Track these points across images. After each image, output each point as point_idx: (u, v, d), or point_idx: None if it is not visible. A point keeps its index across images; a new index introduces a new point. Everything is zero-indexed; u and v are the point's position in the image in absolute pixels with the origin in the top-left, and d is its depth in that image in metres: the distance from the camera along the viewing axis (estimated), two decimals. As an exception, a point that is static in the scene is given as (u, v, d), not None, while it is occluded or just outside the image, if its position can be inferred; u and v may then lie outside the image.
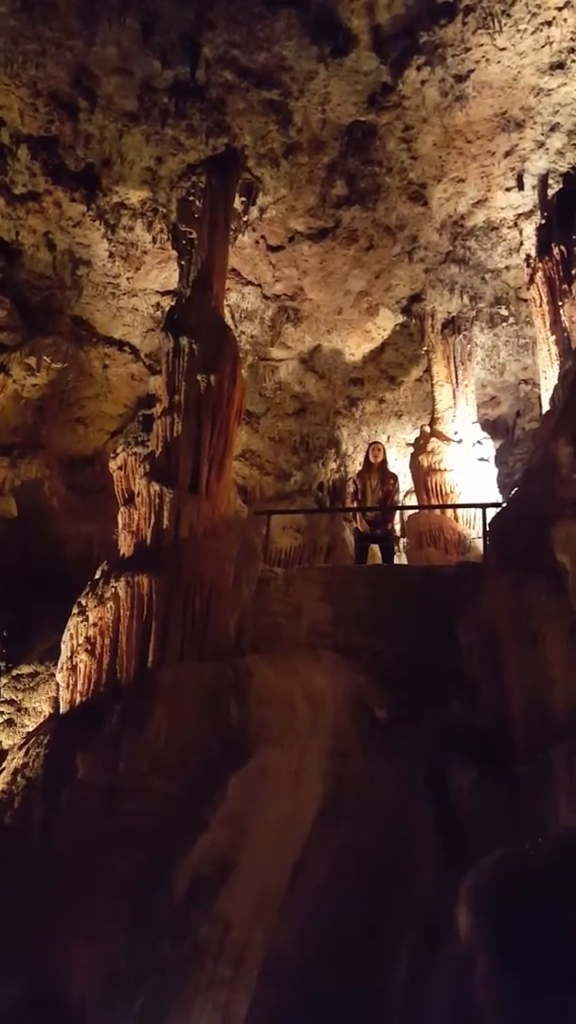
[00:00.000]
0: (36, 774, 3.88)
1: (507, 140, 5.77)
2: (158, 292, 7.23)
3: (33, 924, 3.25)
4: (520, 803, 3.15)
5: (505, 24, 4.83)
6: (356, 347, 8.20)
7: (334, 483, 9.41)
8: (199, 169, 5.80)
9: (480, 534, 6.44)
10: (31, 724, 5.34)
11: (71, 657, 4.40)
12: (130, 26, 4.87)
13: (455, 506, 7.26)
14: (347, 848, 3.30)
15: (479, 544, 6.61)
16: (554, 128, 5.65)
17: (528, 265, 6.17)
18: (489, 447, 7.72)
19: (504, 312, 7.61)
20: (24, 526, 7.54)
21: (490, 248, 6.85)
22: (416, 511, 7.56)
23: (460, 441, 7.56)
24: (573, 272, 5.34)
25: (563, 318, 5.36)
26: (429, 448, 7.56)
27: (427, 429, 7.82)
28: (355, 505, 6.52)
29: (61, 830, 3.61)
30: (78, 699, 4.28)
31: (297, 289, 7.33)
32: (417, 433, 8.30)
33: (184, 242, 5.93)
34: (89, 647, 4.35)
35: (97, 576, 4.63)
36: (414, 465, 7.73)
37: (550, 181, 6.01)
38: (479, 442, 7.64)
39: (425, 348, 7.90)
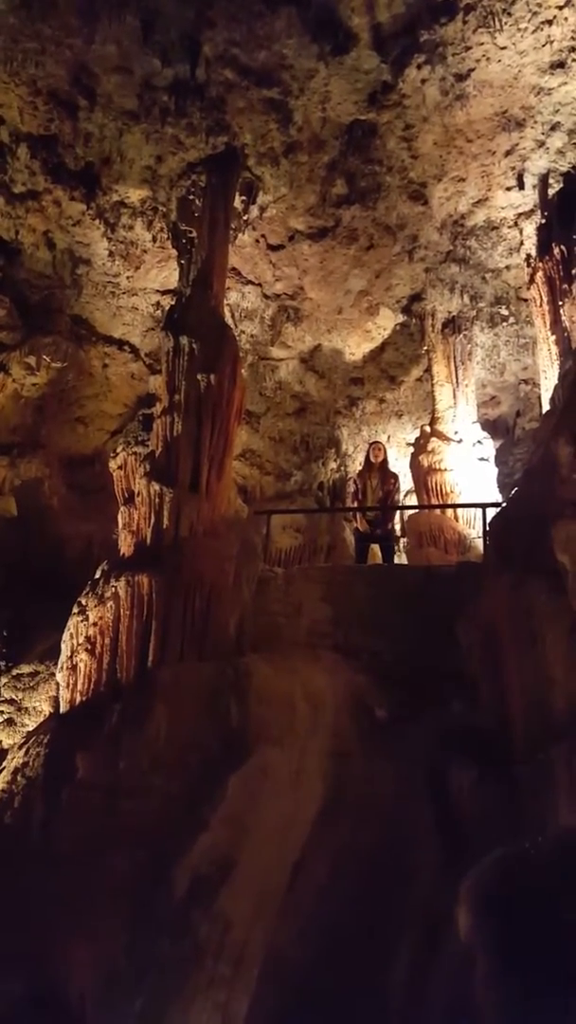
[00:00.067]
0: (36, 773, 3.88)
1: (507, 139, 5.76)
2: (158, 291, 7.22)
3: (33, 923, 3.25)
4: (520, 803, 3.16)
5: (506, 23, 4.83)
6: (356, 347, 8.19)
7: (334, 483, 9.41)
8: (199, 168, 5.80)
9: (480, 534, 6.44)
10: (31, 723, 5.34)
11: (71, 656, 4.40)
12: (130, 24, 4.86)
13: (455, 506, 7.26)
14: (347, 848, 3.30)
15: (479, 544, 6.61)
16: (555, 127, 5.64)
17: (528, 265, 6.16)
18: (489, 447, 7.72)
19: (504, 312, 7.61)
20: (24, 526, 7.54)
21: (490, 248, 6.84)
22: (416, 511, 7.56)
23: (460, 441, 7.56)
24: (573, 272, 5.34)
25: (563, 318, 5.36)
26: (429, 448, 7.56)
27: (427, 429, 7.82)
28: (355, 505, 6.52)
29: (61, 829, 3.61)
30: (78, 698, 4.28)
31: (297, 288, 7.32)
32: (417, 433, 8.30)
33: (184, 241, 5.92)
34: (89, 646, 4.35)
35: (97, 576, 4.63)
36: (414, 465, 7.73)
37: (550, 180, 6.00)
38: (479, 442, 7.64)
39: (425, 348, 7.90)
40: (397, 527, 7.62)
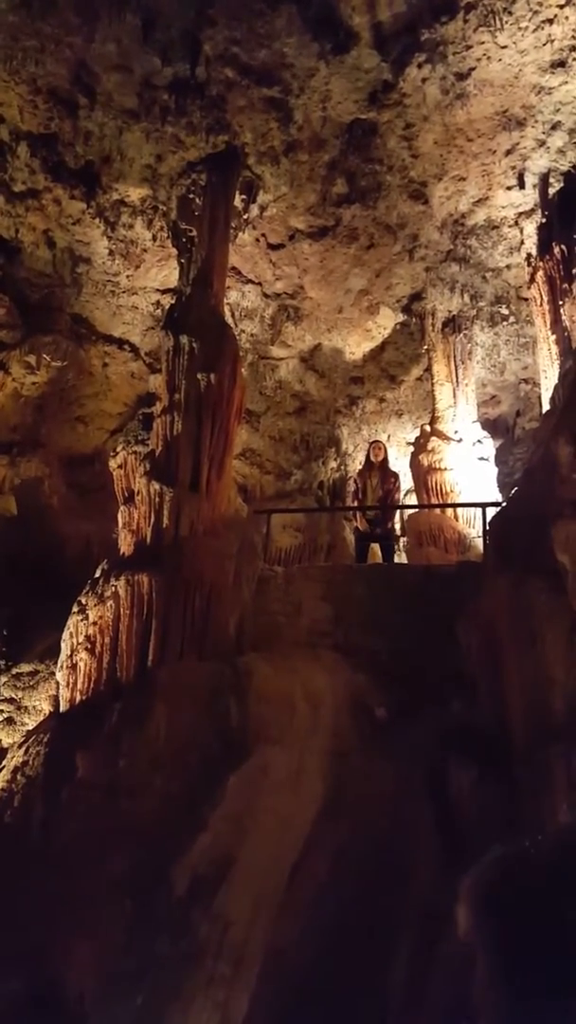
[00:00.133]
0: (36, 772, 3.89)
1: (508, 138, 5.76)
2: (158, 290, 7.22)
3: (33, 922, 3.26)
4: (519, 802, 3.16)
5: (506, 22, 4.82)
6: (356, 346, 8.19)
7: (334, 482, 9.41)
8: (199, 167, 5.79)
9: (480, 533, 6.44)
10: (31, 722, 5.34)
11: (71, 656, 4.40)
12: (130, 23, 4.85)
13: (455, 505, 7.26)
14: (346, 847, 3.30)
15: (479, 543, 6.61)
16: (555, 127, 5.64)
17: (529, 264, 6.16)
18: (489, 446, 7.72)
19: (504, 311, 7.60)
20: (24, 525, 7.53)
21: (491, 247, 6.84)
22: (416, 510, 7.56)
23: (460, 440, 7.56)
24: (574, 271, 5.33)
25: (563, 317, 5.35)
26: (429, 447, 7.56)
27: (427, 428, 7.82)
28: (355, 504, 6.51)
29: (61, 828, 3.61)
30: (78, 698, 4.28)
31: (297, 287, 7.32)
32: (417, 432, 8.29)
33: (184, 240, 5.92)
34: (89, 646, 4.35)
35: (97, 575, 4.63)
36: (414, 464, 7.73)
37: (551, 180, 6.00)
38: (479, 441, 7.63)
39: (425, 347, 7.90)
40: (397, 526, 7.61)
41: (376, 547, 6.49)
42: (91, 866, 3.39)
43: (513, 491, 5.56)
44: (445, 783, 3.40)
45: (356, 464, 8.57)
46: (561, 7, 4.76)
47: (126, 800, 3.64)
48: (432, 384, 7.87)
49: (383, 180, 6.09)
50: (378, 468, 6.45)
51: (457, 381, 7.71)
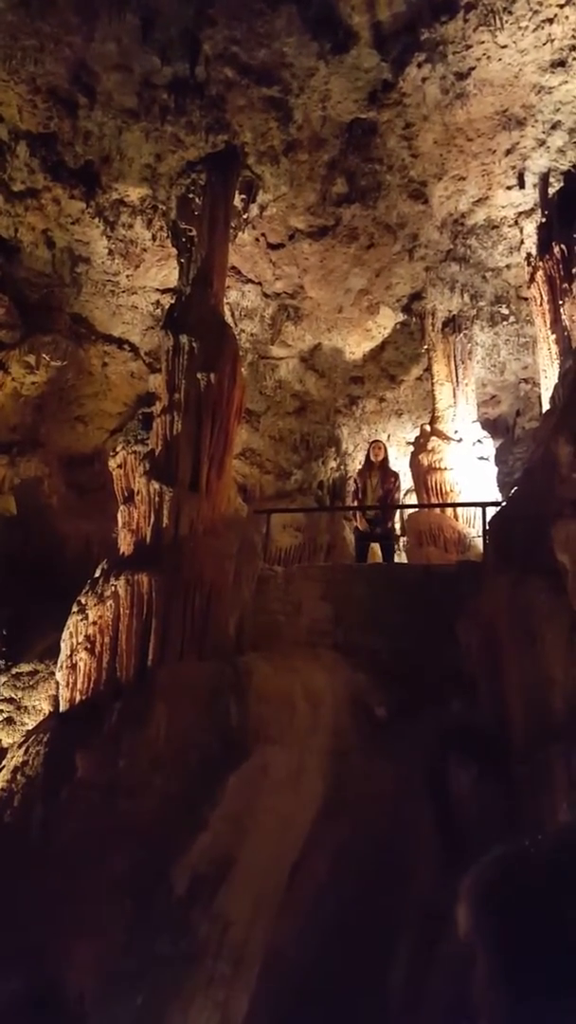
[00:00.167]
0: (36, 772, 3.89)
1: (508, 138, 5.76)
2: (158, 290, 7.21)
3: (33, 922, 3.25)
4: (519, 801, 3.16)
5: (506, 21, 4.82)
6: (356, 345, 8.19)
7: (334, 482, 9.41)
8: (199, 166, 5.79)
9: (480, 533, 6.44)
10: (31, 722, 5.34)
11: (71, 655, 4.40)
12: (129, 22, 4.85)
13: (455, 505, 7.26)
14: (346, 846, 3.30)
15: (479, 543, 6.61)
16: (555, 126, 5.64)
17: (529, 264, 6.15)
18: (489, 446, 7.72)
19: (504, 311, 7.60)
20: (23, 524, 7.53)
21: (491, 246, 6.84)
22: (416, 510, 7.56)
23: (460, 440, 7.56)
24: (574, 271, 5.33)
25: (563, 317, 5.35)
26: (429, 447, 7.56)
27: (427, 428, 7.82)
28: (355, 504, 6.51)
29: (61, 828, 3.61)
30: (78, 697, 4.28)
31: (297, 287, 7.31)
32: (417, 432, 8.29)
33: (184, 240, 5.92)
34: (89, 645, 4.35)
35: (97, 574, 4.63)
36: (414, 464, 7.73)
37: (551, 179, 6.00)
38: (479, 441, 7.63)
39: (425, 347, 7.90)
40: (397, 526, 7.61)
41: (376, 547, 6.49)
42: (91, 866, 3.39)
43: (513, 491, 5.55)
44: (445, 782, 3.40)
45: (356, 464, 8.56)
46: (561, 7, 4.76)
47: (126, 800, 3.64)
48: (432, 384, 7.87)
49: (383, 180, 6.09)
50: (378, 468, 6.44)
51: (457, 381, 7.71)
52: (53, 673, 4.80)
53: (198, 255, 5.75)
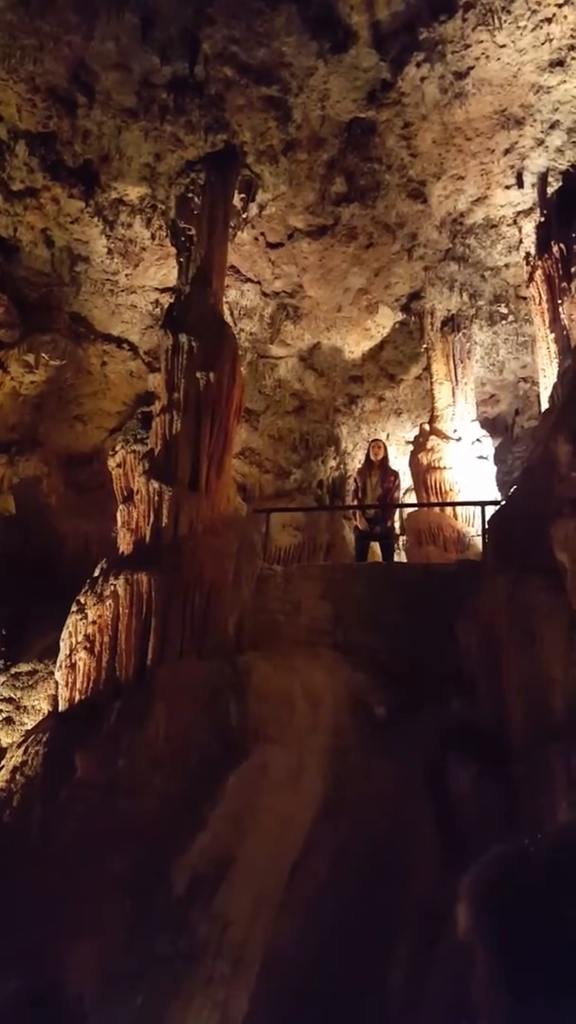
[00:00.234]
0: (35, 772, 3.88)
1: (507, 138, 5.75)
2: (157, 289, 7.21)
3: (32, 922, 3.25)
4: (519, 801, 3.16)
5: (505, 21, 4.82)
6: (355, 345, 8.19)
7: (334, 481, 9.41)
8: (198, 166, 5.79)
9: (479, 532, 6.44)
10: (30, 722, 5.34)
11: (70, 655, 4.40)
12: (129, 21, 4.85)
13: (455, 504, 7.26)
14: (346, 846, 3.30)
15: (478, 542, 6.61)
16: (554, 126, 5.64)
17: (527, 263, 6.15)
18: (488, 445, 7.72)
19: (503, 310, 7.60)
20: (22, 524, 7.53)
21: (489, 246, 6.84)
22: (416, 509, 7.56)
23: (459, 439, 7.56)
24: (572, 270, 5.33)
25: (562, 316, 5.35)
26: (428, 446, 7.56)
27: (426, 427, 7.82)
28: (355, 503, 6.51)
29: (60, 828, 3.61)
30: (77, 697, 4.27)
31: (296, 286, 7.31)
32: (416, 431, 8.29)
33: (183, 239, 5.92)
34: (88, 645, 4.35)
35: (96, 574, 4.62)
36: (413, 463, 7.73)
37: (550, 179, 6.00)
38: (478, 440, 7.64)
39: (424, 346, 7.90)
40: (397, 525, 7.62)
41: (376, 546, 6.49)
42: (91, 866, 3.39)
43: (512, 490, 5.55)
44: (445, 782, 3.40)
45: (355, 463, 8.57)
46: (560, 6, 4.75)
47: (125, 800, 3.64)
48: (431, 383, 7.87)
49: (382, 179, 6.09)
50: (378, 467, 6.45)
51: (456, 380, 7.71)
52: (52, 673, 4.80)
53: (197, 254, 5.75)
